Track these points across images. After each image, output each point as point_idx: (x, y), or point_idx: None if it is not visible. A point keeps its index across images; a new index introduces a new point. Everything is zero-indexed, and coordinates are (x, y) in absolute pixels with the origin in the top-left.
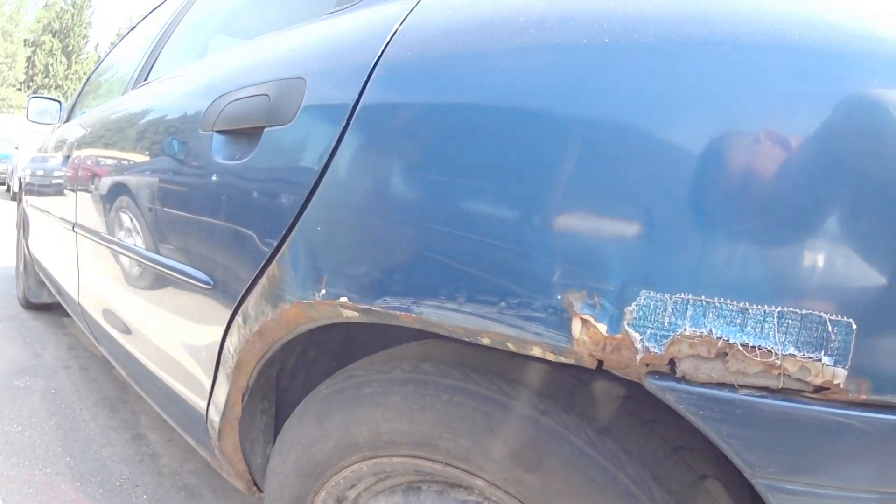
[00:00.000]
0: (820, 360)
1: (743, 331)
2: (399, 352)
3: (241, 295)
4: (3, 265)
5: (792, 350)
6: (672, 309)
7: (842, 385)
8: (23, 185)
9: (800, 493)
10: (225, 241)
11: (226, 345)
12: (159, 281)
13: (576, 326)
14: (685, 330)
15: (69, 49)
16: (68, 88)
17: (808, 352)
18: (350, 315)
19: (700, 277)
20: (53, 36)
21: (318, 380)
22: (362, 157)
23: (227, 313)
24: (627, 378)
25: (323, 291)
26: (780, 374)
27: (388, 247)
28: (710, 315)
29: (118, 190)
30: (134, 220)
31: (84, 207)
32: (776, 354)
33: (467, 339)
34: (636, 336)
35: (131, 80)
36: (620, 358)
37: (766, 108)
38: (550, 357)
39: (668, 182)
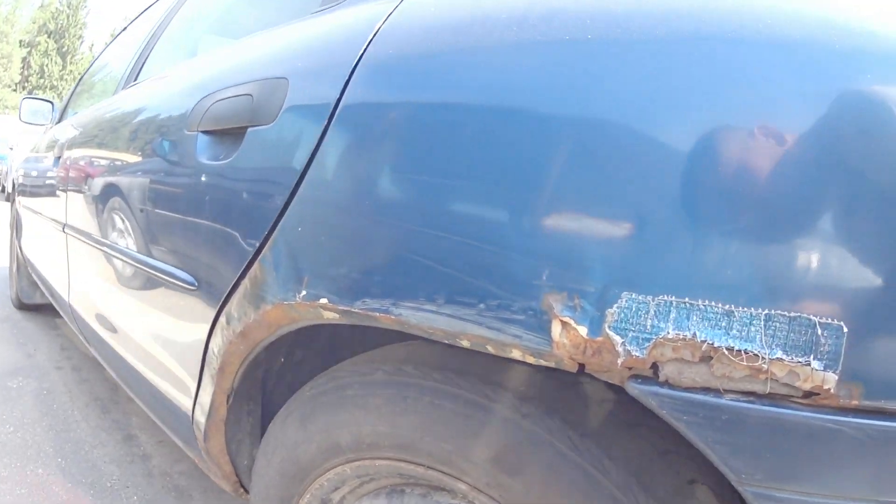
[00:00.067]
0: (809, 365)
1: (728, 334)
2: (381, 354)
3: (225, 296)
4: None
5: (780, 354)
6: (655, 311)
7: (832, 390)
8: (15, 186)
9: (788, 501)
10: (209, 242)
11: (210, 346)
12: (146, 281)
13: (555, 329)
14: (668, 333)
15: (64, 50)
16: (63, 89)
17: (796, 356)
18: (330, 316)
19: (684, 279)
20: (49, 37)
21: (304, 381)
22: (343, 157)
23: (212, 314)
24: (610, 382)
25: (303, 292)
26: (767, 378)
27: (367, 247)
28: (695, 317)
29: (106, 191)
30: (121, 220)
31: (74, 208)
32: (763, 358)
33: (447, 342)
34: (617, 339)
35: (121, 80)
36: (602, 361)
37: (751, 105)
38: (530, 360)
39: (651, 181)
